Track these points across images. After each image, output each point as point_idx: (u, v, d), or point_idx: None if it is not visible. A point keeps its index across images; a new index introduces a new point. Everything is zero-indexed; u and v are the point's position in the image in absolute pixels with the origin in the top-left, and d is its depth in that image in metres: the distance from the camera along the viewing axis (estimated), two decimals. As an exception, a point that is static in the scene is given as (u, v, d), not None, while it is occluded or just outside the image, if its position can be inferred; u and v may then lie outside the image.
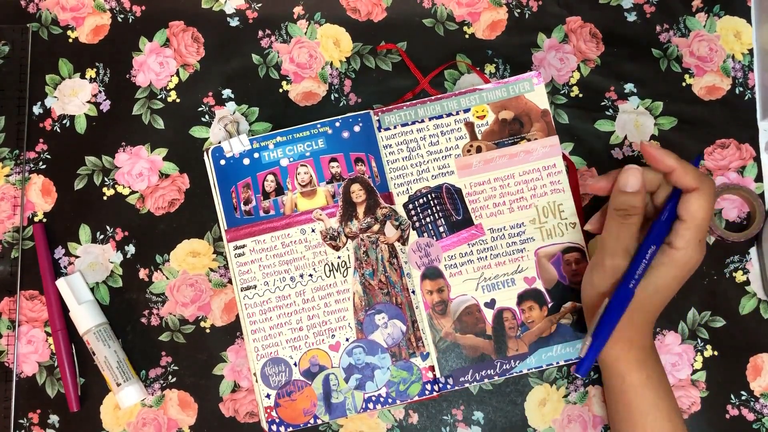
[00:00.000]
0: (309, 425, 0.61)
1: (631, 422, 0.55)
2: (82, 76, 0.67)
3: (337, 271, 0.62)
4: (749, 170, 0.65)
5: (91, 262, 0.64)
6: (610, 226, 0.54)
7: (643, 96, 0.66)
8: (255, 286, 0.62)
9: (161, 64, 0.67)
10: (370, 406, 0.61)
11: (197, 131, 0.66)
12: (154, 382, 0.63)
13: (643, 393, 0.55)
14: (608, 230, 0.54)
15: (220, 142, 0.64)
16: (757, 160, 0.65)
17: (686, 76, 0.66)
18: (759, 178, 0.65)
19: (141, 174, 0.65)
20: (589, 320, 0.57)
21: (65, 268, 0.64)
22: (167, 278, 0.64)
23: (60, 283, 0.62)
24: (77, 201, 0.65)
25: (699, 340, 0.63)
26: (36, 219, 0.65)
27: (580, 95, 0.66)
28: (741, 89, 0.66)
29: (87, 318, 0.61)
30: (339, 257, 0.62)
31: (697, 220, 0.52)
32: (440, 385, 0.61)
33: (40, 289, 0.64)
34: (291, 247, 0.63)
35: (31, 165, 0.65)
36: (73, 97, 0.66)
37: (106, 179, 0.65)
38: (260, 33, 0.67)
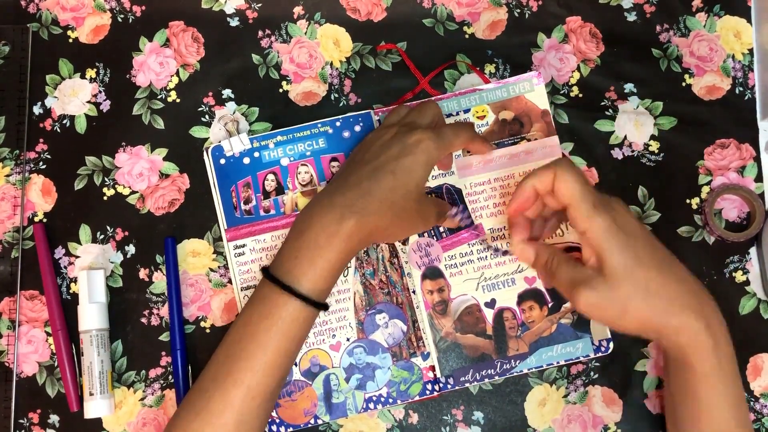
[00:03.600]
0: (309, 425, 0.61)
1: (696, 413, 0.53)
2: (82, 76, 0.67)
3: (337, 271, 0.62)
4: (749, 170, 0.65)
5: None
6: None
7: (643, 96, 0.66)
8: (255, 286, 0.62)
9: (161, 64, 0.67)
10: (371, 406, 0.61)
11: (197, 131, 0.66)
12: (154, 382, 0.63)
13: (714, 383, 0.52)
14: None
15: (220, 141, 0.64)
16: (757, 160, 0.65)
17: (686, 76, 0.66)
18: (759, 178, 0.65)
19: (141, 174, 0.65)
20: None
21: (65, 268, 0.64)
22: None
23: (81, 274, 0.62)
24: (77, 201, 0.65)
25: (699, 340, 0.63)
26: (36, 219, 0.65)
27: (580, 95, 0.66)
28: (741, 89, 0.66)
29: (91, 318, 0.61)
30: (339, 257, 0.62)
31: (573, 192, 0.50)
32: (441, 384, 0.61)
33: (40, 289, 0.64)
34: (291, 247, 0.63)
35: (32, 165, 0.65)
36: (73, 97, 0.66)
37: (106, 179, 0.65)
38: (260, 33, 0.67)
